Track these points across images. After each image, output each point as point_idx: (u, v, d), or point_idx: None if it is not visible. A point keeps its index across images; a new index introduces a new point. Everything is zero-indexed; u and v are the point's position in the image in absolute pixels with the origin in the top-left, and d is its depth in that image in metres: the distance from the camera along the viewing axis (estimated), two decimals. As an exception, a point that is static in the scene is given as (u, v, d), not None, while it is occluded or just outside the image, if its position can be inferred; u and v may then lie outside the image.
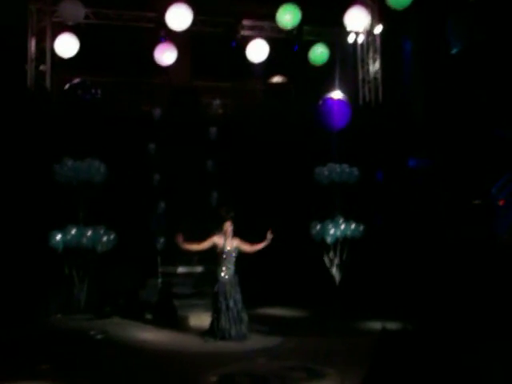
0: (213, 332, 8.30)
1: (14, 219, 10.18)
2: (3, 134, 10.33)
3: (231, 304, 8.30)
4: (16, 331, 9.14)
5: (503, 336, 7.77)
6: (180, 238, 8.26)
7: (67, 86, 9.26)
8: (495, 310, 8.85)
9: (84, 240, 8.84)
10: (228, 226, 8.36)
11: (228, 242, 8.35)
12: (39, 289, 10.38)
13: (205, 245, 8.36)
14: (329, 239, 9.70)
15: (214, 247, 8.39)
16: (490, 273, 9.98)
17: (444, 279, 10.25)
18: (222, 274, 8.33)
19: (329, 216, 9.93)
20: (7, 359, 7.52)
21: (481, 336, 7.91)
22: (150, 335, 8.89)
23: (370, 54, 13.77)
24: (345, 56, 13.62)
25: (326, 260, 9.91)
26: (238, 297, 8.37)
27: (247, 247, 8.43)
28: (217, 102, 12.07)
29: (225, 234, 8.36)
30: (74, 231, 8.86)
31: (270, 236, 8.32)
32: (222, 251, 8.33)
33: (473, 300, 9.25)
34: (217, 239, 8.37)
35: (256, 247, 8.44)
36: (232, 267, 8.38)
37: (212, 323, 8.36)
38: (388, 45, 13.68)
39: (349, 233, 9.82)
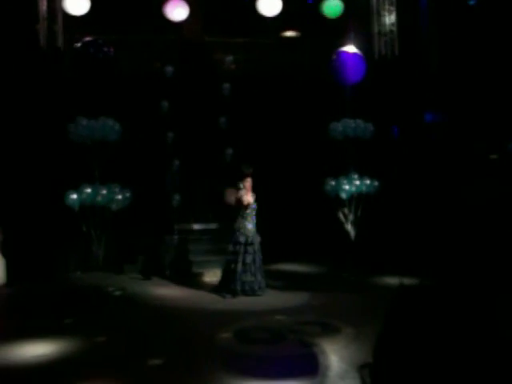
0: (230, 287, 8.42)
1: (30, 179, 10.29)
2: (17, 94, 10.34)
3: (257, 258, 8.45)
4: (38, 288, 9.37)
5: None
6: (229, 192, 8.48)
7: (79, 45, 9.18)
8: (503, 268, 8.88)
9: (99, 198, 8.91)
10: (248, 182, 8.49)
11: (250, 197, 8.51)
12: (58, 247, 10.58)
13: (250, 197, 8.47)
14: (343, 195, 9.68)
15: (239, 202, 8.53)
16: (507, 228, 9.95)
17: (459, 235, 10.24)
18: (250, 227, 8.45)
19: (343, 172, 9.89)
20: (32, 314, 7.75)
21: (498, 290, 7.96)
22: (166, 291, 9.05)
23: (386, 6, 13.42)
24: (359, 9, 13.30)
25: (341, 216, 9.92)
26: (259, 250, 8.53)
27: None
28: (229, 58, 11.91)
29: (247, 189, 8.50)
30: (88, 190, 8.93)
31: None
32: (248, 205, 8.47)
33: (488, 254, 9.26)
34: (243, 193, 8.50)
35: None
36: (252, 220, 8.51)
37: (230, 277, 8.46)
38: (404, -4, 13.32)
39: (364, 189, 9.79)
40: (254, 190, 8.67)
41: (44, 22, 11.18)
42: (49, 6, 11.23)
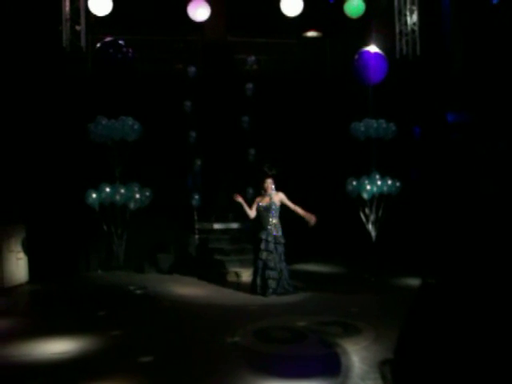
0: (257, 288, 8.44)
1: (52, 179, 10.40)
2: (40, 95, 10.46)
3: (277, 257, 8.43)
4: (60, 286, 9.47)
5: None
6: (239, 198, 8.48)
7: (98, 45, 9.25)
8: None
9: (118, 197, 8.96)
10: (269, 183, 8.48)
11: (268, 198, 8.48)
12: (79, 245, 10.67)
13: (254, 210, 8.52)
14: (365, 195, 9.62)
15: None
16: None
17: (482, 235, 10.11)
18: (269, 228, 8.44)
19: (365, 172, 9.83)
20: (54, 312, 7.82)
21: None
22: (187, 290, 9.07)
23: (408, 6, 13.33)
24: (381, 8, 13.22)
25: (362, 216, 9.86)
26: (282, 251, 8.50)
27: (291, 204, 8.58)
28: (252, 58, 11.91)
29: (266, 191, 8.49)
30: (108, 189, 8.98)
31: (312, 220, 8.42)
32: (263, 206, 8.47)
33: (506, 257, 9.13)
34: (258, 198, 8.58)
35: (297, 210, 8.57)
36: (276, 222, 8.48)
37: (257, 280, 8.47)
38: (426, -5, 13.22)
39: (385, 189, 9.71)
40: (278, 190, 8.67)
41: (67, 22, 11.30)
42: (72, 7, 11.35)
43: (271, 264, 8.38)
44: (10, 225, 9.69)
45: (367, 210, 9.79)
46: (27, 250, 9.84)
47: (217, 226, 10.97)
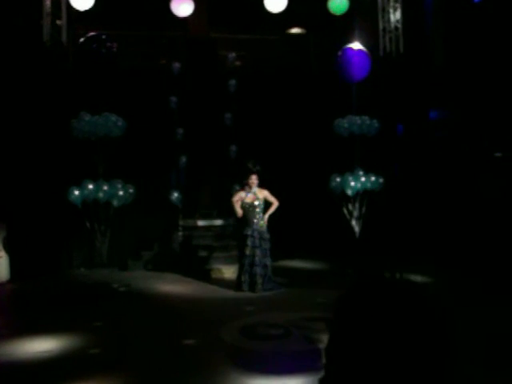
0: (243, 285, 8.43)
1: (33, 175, 10.27)
2: (20, 90, 10.31)
3: (259, 252, 8.43)
4: (42, 284, 9.37)
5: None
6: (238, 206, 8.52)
7: (82, 40, 9.15)
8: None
9: (101, 194, 8.89)
10: (254, 179, 8.48)
11: (252, 195, 8.49)
12: (62, 243, 10.57)
13: (239, 204, 8.52)
14: (349, 192, 9.66)
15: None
16: (510, 226, 9.92)
17: (463, 232, 10.21)
18: (255, 224, 8.45)
19: (348, 168, 9.86)
20: (36, 310, 7.74)
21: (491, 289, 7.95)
22: (171, 287, 9.03)
23: (391, 3, 13.38)
24: (365, 5, 13.25)
25: (346, 212, 9.90)
26: (267, 247, 8.50)
27: (275, 201, 8.62)
28: (232, 54, 11.87)
29: (250, 187, 8.49)
30: (91, 186, 8.91)
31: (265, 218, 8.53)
32: (248, 203, 8.47)
33: (490, 254, 9.23)
34: (242, 195, 8.54)
35: (275, 204, 8.63)
36: (260, 217, 8.52)
37: (244, 277, 8.47)
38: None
39: (369, 185, 9.76)
40: (262, 186, 8.68)
41: (48, 17, 11.15)
42: (53, 1, 11.20)
43: (257, 260, 8.39)
44: (-11, 223, 9.57)
45: (351, 206, 9.84)
46: (8, 248, 9.71)
47: (201, 222, 10.93)
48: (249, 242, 8.40)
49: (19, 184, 10.14)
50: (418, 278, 8.60)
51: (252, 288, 8.38)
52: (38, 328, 6.78)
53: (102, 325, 6.90)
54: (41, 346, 6.12)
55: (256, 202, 8.52)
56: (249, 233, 8.45)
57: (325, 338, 5.88)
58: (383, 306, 1.18)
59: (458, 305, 6.97)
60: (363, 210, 9.86)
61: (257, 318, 6.97)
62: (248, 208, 8.53)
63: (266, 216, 8.57)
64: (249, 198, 8.54)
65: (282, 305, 7.68)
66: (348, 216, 9.91)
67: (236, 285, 8.55)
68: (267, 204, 8.67)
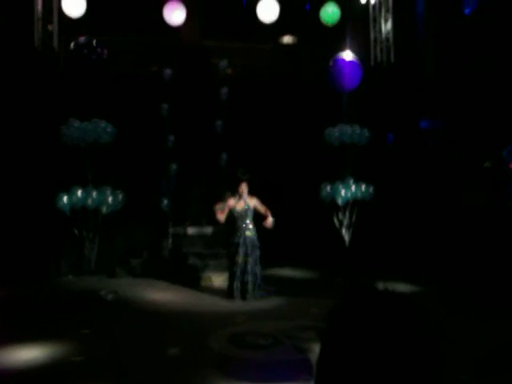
0: (234, 293, 8.39)
1: (22, 181, 10.19)
2: (11, 95, 10.25)
3: (251, 260, 8.40)
4: (29, 291, 9.26)
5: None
6: (218, 205, 8.46)
7: (72, 46, 9.11)
8: (502, 275, 8.87)
9: (89, 201, 8.83)
10: (243, 187, 8.47)
11: (242, 203, 8.46)
12: (50, 250, 10.47)
13: (225, 211, 8.51)
14: (340, 200, 9.65)
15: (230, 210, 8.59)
16: (499, 236, 9.96)
17: (452, 242, 10.24)
18: (245, 232, 8.43)
19: (339, 177, 9.87)
20: (23, 318, 7.64)
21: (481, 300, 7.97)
22: (159, 295, 8.96)
23: (382, 14, 13.48)
24: (356, 16, 13.34)
25: (336, 221, 9.90)
26: (258, 255, 8.47)
27: (263, 210, 8.61)
28: (224, 62, 11.88)
29: (240, 195, 8.47)
30: (79, 193, 8.84)
31: (270, 221, 8.48)
32: (238, 212, 8.45)
33: (480, 264, 9.26)
34: (231, 203, 8.52)
35: (267, 213, 8.61)
36: (250, 225, 8.47)
37: (235, 284, 8.43)
38: (400, 4, 13.38)
39: (359, 194, 9.77)
40: (252, 194, 8.67)
41: (39, 22, 11.12)
42: (44, 7, 11.18)
43: (249, 268, 8.36)
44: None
45: (341, 215, 9.83)
46: (-4, 255, 9.61)
47: (190, 230, 10.89)
48: (240, 250, 8.37)
49: (7, 190, 10.05)
50: (407, 288, 8.60)
51: (243, 296, 8.35)
52: (25, 336, 6.68)
53: (89, 333, 6.83)
54: (28, 354, 6.04)
55: (246, 210, 8.50)
56: (240, 241, 8.42)
57: (315, 348, 5.85)
58: (374, 318, 1.17)
59: (447, 315, 6.98)
60: (353, 218, 9.86)
61: (246, 327, 6.93)
62: (238, 216, 8.51)
63: (271, 219, 8.53)
64: (239, 205, 8.53)
65: (271, 313, 7.64)
66: (338, 225, 9.90)
67: (227, 292, 8.50)
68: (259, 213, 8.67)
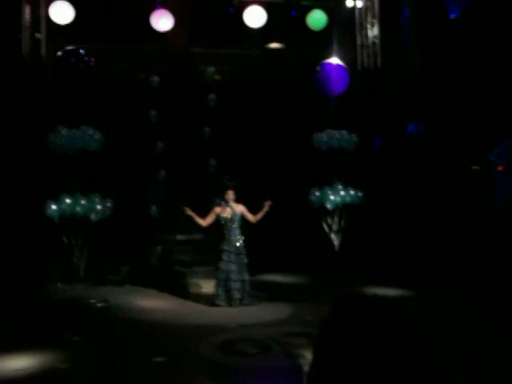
0: (218, 299, 8.38)
1: (9, 189, 10.13)
2: (-2, 102, 10.22)
3: (238, 267, 8.39)
4: (17, 300, 9.19)
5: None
6: (189, 210, 8.43)
7: (59, 54, 9.10)
8: (492, 277, 8.94)
9: (78, 209, 8.80)
10: (230, 194, 8.48)
11: (229, 210, 8.48)
12: (38, 258, 10.41)
13: (209, 220, 8.54)
14: (329, 205, 9.68)
15: (217, 217, 8.61)
16: (488, 239, 10.04)
17: (442, 245, 10.30)
18: (232, 239, 8.43)
19: (328, 182, 9.90)
20: (11, 327, 7.60)
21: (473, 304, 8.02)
22: (149, 302, 8.95)
23: (369, 19, 13.57)
24: (343, 21, 13.41)
25: (325, 226, 9.92)
26: (244, 262, 8.46)
27: (250, 216, 8.63)
28: (211, 69, 11.90)
29: (227, 202, 8.48)
30: (68, 200, 8.81)
31: (267, 204, 8.46)
32: (225, 219, 8.46)
33: (470, 266, 9.32)
34: (218, 210, 8.53)
35: (257, 217, 8.63)
36: (237, 233, 8.47)
37: (220, 291, 8.42)
38: (386, 9, 13.47)
39: (348, 199, 9.80)
40: (239, 201, 8.68)
41: (27, 30, 11.08)
42: (32, 15, 11.14)
43: (233, 275, 8.36)
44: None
45: (330, 220, 9.86)
46: (-17, 263, 9.54)
47: (180, 237, 10.86)
48: (224, 257, 8.38)
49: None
50: (397, 293, 8.64)
51: (229, 302, 8.33)
52: (14, 345, 6.65)
53: (78, 341, 6.80)
54: (18, 363, 6.01)
55: (233, 217, 8.50)
56: (224, 247, 8.43)
57: (306, 354, 5.87)
58: (365, 325, 1.19)
59: (436, 318, 7.02)
60: (343, 223, 9.89)
61: (236, 334, 6.93)
62: (225, 223, 8.51)
63: (259, 216, 8.54)
64: (226, 212, 8.53)
65: (261, 320, 7.65)
66: (327, 230, 9.93)
67: (213, 299, 8.48)
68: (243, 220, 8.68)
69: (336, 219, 9.85)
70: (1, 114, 10.20)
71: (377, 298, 1.26)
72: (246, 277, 8.50)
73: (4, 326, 7.75)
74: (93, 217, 8.88)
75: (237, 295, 8.34)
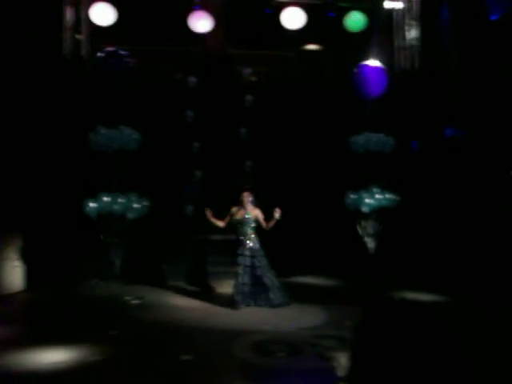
0: (240, 302, 8.39)
1: (51, 187, 10.37)
2: (40, 103, 10.45)
3: (259, 270, 8.36)
4: (55, 294, 9.41)
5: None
6: (209, 213, 8.46)
7: (99, 55, 9.28)
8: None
9: (116, 207, 8.95)
10: (246, 197, 8.46)
11: (243, 212, 8.44)
12: (76, 254, 10.62)
13: (226, 221, 8.54)
14: (365, 209, 9.62)
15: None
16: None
17: (480, 252, 10.12)
18: (245, 241, 8.41)
19: (364, 185, 9.84)
20: (49, 321, 7.79)
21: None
22: (184, 301, 9.02)
23: (407, 21, 13.43)
24: (381, 23, 13.30)
25: (361, 230, 9.86)
26: (264, 263, 8.42)
27: (263, 223, 8.48)
28: (248, 70, 11.95)
29: (242, 204, 8.44)
30: (106, 199, 8.97)
31: (277, 214, 8.33)
32: (236, 221, 8.44)
33: (507, 274, 9.14)
34: (234, 210, 8.51)
35: (269, 225, 8.45)
36: (251, 235, 8.44)
37: (238, 294, 8.42)
38: (425, 11, 13.30)
39: (384, 202, 9.73)
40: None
41: (68, 31, 11.33)
42: (74, 16, 11.38)
43: (248, 278, 8.31)
44: (6, 232, 9.65)
45: (365, 223, 9.80)
46: (24, 258, 9.79)
47: (215, 237, 10.93)
48: (240, 261, 8.37)
49: (36, 194, 10.24)
50: (431, 298, 8.54)
51: (247, 304, 8.31)
52: (51, 338, 6.82)
53: (113, 337, 6.93)
54: (54, 356, 6.16)
55: (245, 220, 8.44)
56: (239, 251, 8.43)
57: (338, 356, 5.86)
58: (401, 329, 1.21)
59: (470, 326, 6.91)
60: (378, 227, 9.81)
61: (269, 335, 6.95)
62: (238, 225, 8.50)
63: (270, 225, 8.41)
64: (239, 214, 8.51)
65: (294, 322, 7.65)
66: (362, 233, 9.87)
67: (232, 304, 8.40)
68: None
69: (371, 222, 9.78)
70: (43, 114, 10.44)
71: (412, 303, 1.27)
72: (267, 279, 8.38)
73: (41, 320, 7.96)
74: (130, 215, 9.03)
75: (254, 299, 8.30)
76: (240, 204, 8.56)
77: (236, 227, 8.55)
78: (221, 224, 8.64)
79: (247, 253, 8.38)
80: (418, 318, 1.22)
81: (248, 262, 8.33)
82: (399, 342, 1.19)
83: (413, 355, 1.18)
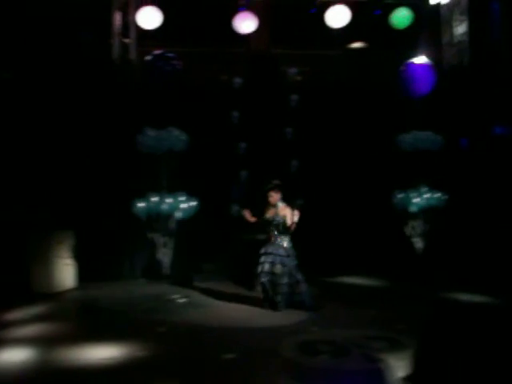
0: (266, 301, 8.35)
1: (101, 188, 10.60)
2: (91, 106, 10.71)
3: (286, 270, 8.26)
4: (106, 292, 9.63)
5: None
6: (247, 213, 8.45)
7: (148, 58, 9.44)
8: None
9: (164, 206, 9.08)
10: (272, 196, 8.40)
11: (272, 211, 8.37)
12: (126, 253, 10.84)
13: (257, 219, 8.55)
14: (413, 208, 9.46)
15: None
16: None
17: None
18: (273, 242, 8.35)
19: (411, 184, 9.69)
20: (100, 318, 7.98)
21: None
22: (232, 301, 9.05)
23: (457, 16, 13.16)
24: (428, 19, 13.09)
25: (408, 229, 9.72)
26: (293, 264, 8.32)
27: (289, 223, 8.27)
28: (293, 69, 11.92)
29: (269, 204, 8.40)
30: (155, 199, 9.12)
31: (296, 216, 8.19)
32: (264, 219, 8.40)
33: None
34: (265, 209, 8.48)
35: (291, 226, 8.28)
36: (279, 235, 8.33)
37: (263, 293, 8.40)
38: (474, 5, 13.01)
39: (432, 202, 9.56)
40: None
41: (117, 36, 11.59)
42: (122, 21, 11.64)
43: (276, 278, 8.20)
44: (58, 231, 9.94)
45: (413, 223, 9.65)
46: (75, 257, 10.06)
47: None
48: (262, 259, 8.28)
49: (88, 194, 10.50)
50: (480, 299, 8.36)
51: (273, 307, 8.22)
52: (101, 335, 7.00)
53: (163, 335, 7.06)
54: (105, 352, 6.32)
55: (273, 219, 8.34)
56: (262, 251, 8.36)
57: (386, 358, 5.80)
58: (472, 332, 1.22)
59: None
60: (426, 227, 9.65)
61: (315, 336, 6.94)
62: (265, 224, 8.43)
63: (292, 227, 8.23)
64: (269, 213, 8.44)
65: (341, 322, 7.62)
66: (410, 233, 9.72)
67: (270, 303, 8.36)
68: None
69: (419, 222, 9.63)
70: (94, 116, 10.70)
71: (479, 306, 1.27)
72: (299, 278, 8.26)
73: (91, 317, 8.18)
74: (177, 215, 9.15)
75: (280, 299, 8.21)
76: (268, 203, 8.47)
77: (264, 227, 8.49)
78: (253, 220, 8.61)
79: (275, 251, 8.27)
80: (487, 321, 1.23)
81: (277, 260, 8.21)
82: (469, 344, 1.20)
83: (482, 358, 1.18)
